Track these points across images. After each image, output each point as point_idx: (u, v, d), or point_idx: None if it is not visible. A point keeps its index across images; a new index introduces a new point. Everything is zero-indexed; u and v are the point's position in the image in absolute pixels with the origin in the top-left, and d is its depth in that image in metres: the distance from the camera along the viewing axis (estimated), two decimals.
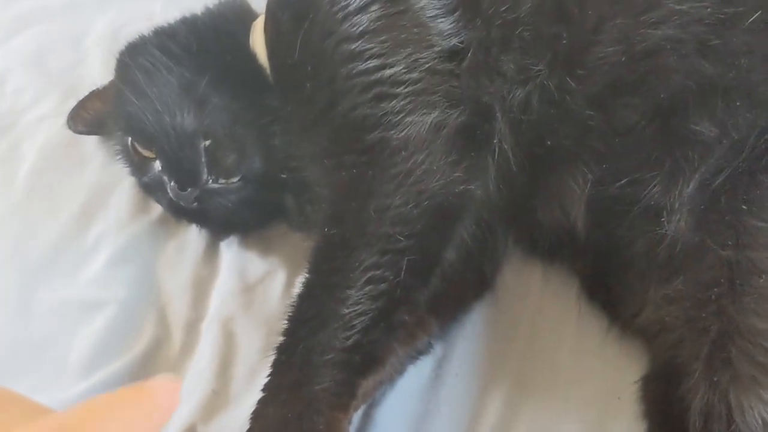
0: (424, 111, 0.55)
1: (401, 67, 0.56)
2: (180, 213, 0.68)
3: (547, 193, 0.57)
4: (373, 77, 0.56)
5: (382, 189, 0.53)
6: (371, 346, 0.52)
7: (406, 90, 0.56)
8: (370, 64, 0.56)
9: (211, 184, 0.63)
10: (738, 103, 0.51)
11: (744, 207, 0.48)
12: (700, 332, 0.47)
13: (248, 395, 0.58)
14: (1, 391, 0.34)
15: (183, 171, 0.62)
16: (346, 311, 0.50)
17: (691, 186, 0.50)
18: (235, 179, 0.64)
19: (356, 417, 0.56)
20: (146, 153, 0.65)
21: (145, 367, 0.64)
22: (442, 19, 0.58)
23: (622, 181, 0.53)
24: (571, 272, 0.61)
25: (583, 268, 0.60)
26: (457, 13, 0.58)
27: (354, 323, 0.50)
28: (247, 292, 0.67)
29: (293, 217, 0.67)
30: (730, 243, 0.47)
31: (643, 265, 0.54)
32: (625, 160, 0.53)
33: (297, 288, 0.54)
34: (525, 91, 0.55)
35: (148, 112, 0.63)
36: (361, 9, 0.58)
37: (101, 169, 0.77)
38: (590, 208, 0.55)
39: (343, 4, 0.58)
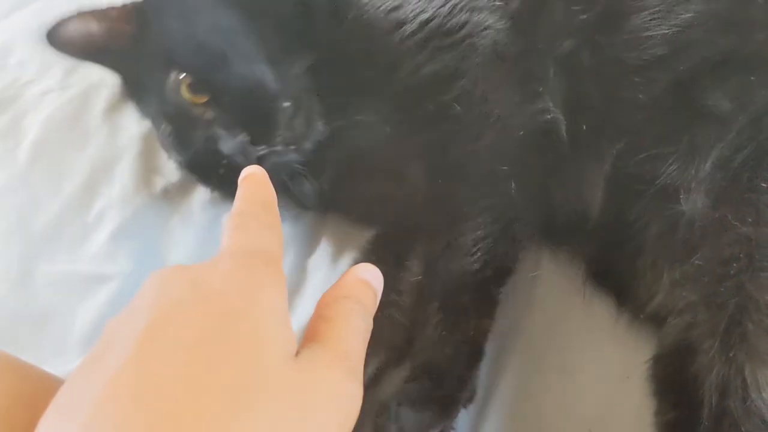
0: (481, 51, 0.57)
1: (445, 15, 0.57)
2: (203, 170, 0.63)
3: (569, 173, 0.57)
4: (423, 34, 0.57)
5: (470, 134, 0.56)
6: (500, 259, 0.55)
7: (460, 35, 0.57)
8: (416, 22, 0.57)
9: (276, 147, 0.59)
10: (753, 78, 0.51)
11: (764, 185, 0.48)
12: (717, 307, 0.46)
13: None
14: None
15: (255, 127, 0.57)
16: (470, 239, 0.54)
17: (708, 163, 0.50)
18: (294, 147, 0.60)
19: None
20: (196, 97, 0.58)
21: None
22: None
23: (641, 156, 0.53)
24: (578, 257, 0.60)
25: (591, 253, 0.59)
26: None
27: (478, 247, 0.54)
28: None
29: (308, 197, 0.65)
30: (750, 220, 0.47)
31: (656, 250, 0.54)
32: (645, 134, 0.53)
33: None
34: (573, 43, 0.55)
35: (221, 52, 0.57)
36: None
37: (105, 143, 0.76)
38: (608, 189, 0.55)
39: None
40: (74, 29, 0.62)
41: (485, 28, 0.57)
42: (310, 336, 0.33)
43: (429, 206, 0.58)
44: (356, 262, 0.62)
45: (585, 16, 0.55)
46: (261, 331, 0.29)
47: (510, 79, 0.56)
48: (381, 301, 0.58)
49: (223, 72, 0.57)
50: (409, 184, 0.60)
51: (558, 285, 0.60)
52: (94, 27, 0.62)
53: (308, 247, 0.67)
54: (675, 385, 0.51)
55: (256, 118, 0.58)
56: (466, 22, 0.57)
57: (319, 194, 0.64)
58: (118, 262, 0.68)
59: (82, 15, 0.62)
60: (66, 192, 0.74)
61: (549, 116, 0.55)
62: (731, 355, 0.45)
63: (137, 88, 0.65)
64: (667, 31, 0.53)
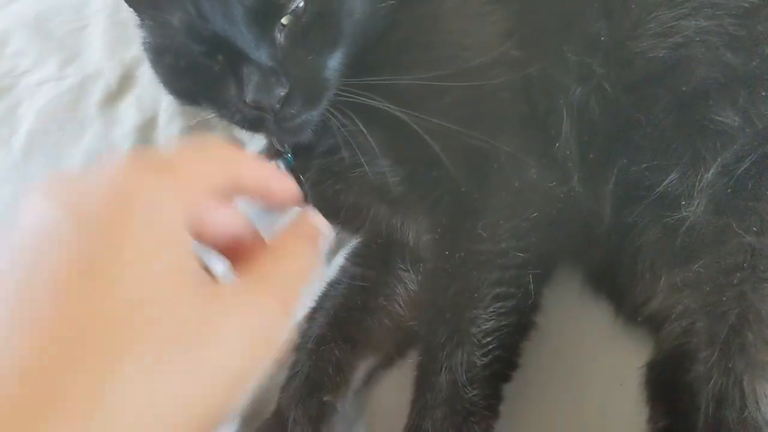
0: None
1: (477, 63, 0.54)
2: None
3: (580, 202, 0.55)
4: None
5: (488, 206, 0.52)
6: (509, 353, 0.52)
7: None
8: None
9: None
10: (763, 93, 0.50)
11: None
12: (718, 316, 0.46)
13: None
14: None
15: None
16: (478, 330, 0.50)
17: (711, 171, 0.49)
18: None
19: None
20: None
21: None
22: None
23: (642, 166, 0.52)
24: (578, 261, 0.59)
25: (591, 257, 0.58)
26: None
27: (488, 340, 0.50)
28: None
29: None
30: (754, 229, 0.46)
31: (654, 253, 0.53)
32: (647, 149, 0.52)
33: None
34: (585, 89, 0.54)
35: None
36: None
37: (101, 134, 0.76)
38: (613, 201, 0.54)
39: None
40: None
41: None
42: (255, 268, 0.31)
43: (432, 288, 0.54)
44: (344, 266, 0.62)
45: (594, 64, 0.54)
46: (138, 253, 0.27)
47: (528, 148, 0.53)
48: (370, 306, 0.59)
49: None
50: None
51: (554, 288, 0.59)
52: None
53: None
54: (669, 392, 0.51)
55: (308, 96, 0.51)
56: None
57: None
58: None
59: None
60: None
61: (571, 192, 0.53)
62: (730, 365, 0.44)
63: None
64: (669, 50, 0.52)
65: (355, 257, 0.62)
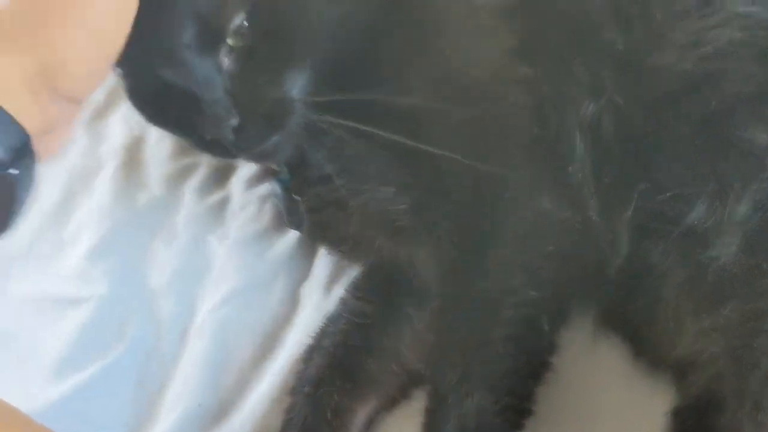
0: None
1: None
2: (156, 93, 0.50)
3: (594, 233, 0.51)
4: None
5: (498, 239, 0.49)
6: (522, 399, 0.48)
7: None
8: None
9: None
10: None
11: None
12: (748, 365, 0.43)
13: (236, 412, 0.54)
14: None
15: (256, 121, 0.48)
16: (490, 374, 0.47)
17: (742, 204, 0.46)
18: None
19: None
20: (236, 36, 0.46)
21: (124, 373, 0.58)
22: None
23: (665, 195, 0.48)
24: (589, 302, 0.55)
25: (605, 298, 0.54)
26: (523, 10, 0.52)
27: (500, 385, 0.47)
28: (243, 293, 0.62)
29: (294, 216, 0.61)
30: None
31: (680, 297, 0.49)
32: (669, 173, 0.49)
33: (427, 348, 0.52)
34: (597, 105, 0.49)
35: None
36: None
37: (86, 152, 0.72)
38: (631, 233, 0.50)
39: None
40: None
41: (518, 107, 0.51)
42: None
43: (440, 327, 0.50)
44: (344, 299, 0.58)
45: (606, 66, 0.50)
46: None
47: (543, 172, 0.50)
48: (373, 346, 0.55)
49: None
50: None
51: (565, 338, 0.54)
52: None
53: (300, 273, 0.63)
54: None
55: (263, 121, 0.48)
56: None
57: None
58: (93, 284, 0.63)
59: None
60: (41, 203, 0.69)
61: (587, 222, 0.49)
62: (760, 418, 0.41)
63: None
64: (696, 64, 0.48)
65: (356, 290, 0.58)
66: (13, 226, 0.44)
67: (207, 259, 0.65)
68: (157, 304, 0.63)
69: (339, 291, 0.60)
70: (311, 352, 0.56)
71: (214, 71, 0.45)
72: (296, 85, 0.48)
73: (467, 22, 0.53)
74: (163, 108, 0.50)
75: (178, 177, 0.69)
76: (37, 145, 0.41)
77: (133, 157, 0.71)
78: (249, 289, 0.62)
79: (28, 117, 0.40)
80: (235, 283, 0.62)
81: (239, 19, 0.45)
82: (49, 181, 0.70)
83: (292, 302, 0.61)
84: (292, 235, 0.64)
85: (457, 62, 0.52)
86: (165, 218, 0.68)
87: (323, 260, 0.63)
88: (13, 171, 0.39)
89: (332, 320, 0.57)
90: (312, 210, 0.57)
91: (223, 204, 0.68)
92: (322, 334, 0.57)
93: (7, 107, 0.39)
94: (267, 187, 0.66)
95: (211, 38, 0.45)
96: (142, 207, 0.69)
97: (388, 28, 0.52)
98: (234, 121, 0.45)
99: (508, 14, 0.52)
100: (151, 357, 0.60)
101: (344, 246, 0.59)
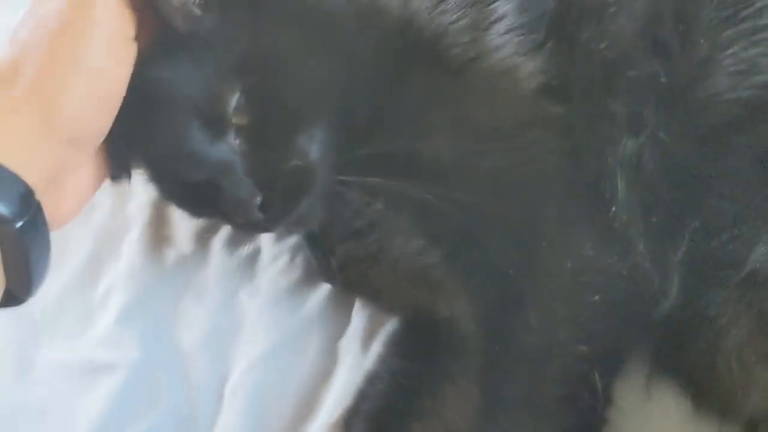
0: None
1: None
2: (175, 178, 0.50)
3: (643, 273, 0.48)
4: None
5: (539, 292, 0.46)
6: None
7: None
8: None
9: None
10: None
11: None
12: None
13: None
14: None
15: (276, 199, 0.47)
16: None
17: None
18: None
19: None
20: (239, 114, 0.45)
21: None
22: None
23: (722, 237, 0.46)
24: (642, 352, 0.51)
25: (657, 348, 0.51)
26: (547, 47, 0.50)
27: None
28: (276, 352, 0.60)
29: (327, 268, 0.59)
30: None
31: (744, 345, 0.46)
32: (724, 211, 0.46)
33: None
34: (636, 142, 0.47)
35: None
36: None
37: (110, 212, 0.70)
38: (683, 276, 0.47)
39: None
40: None
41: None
42: None
43: (484, 389, 0.48)
44: (383, 356, 0.56)
45: (647, 100, 0.48)
46: None
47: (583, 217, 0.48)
48: (417, 408, 0.51)
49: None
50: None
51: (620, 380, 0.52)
52: None
53: (335, 328, 0.61)
54: None
55: (286, 192, 0.46)
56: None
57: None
58: (124, 349, 0.62)
59: None
60: (68, 269, 0.67)
61: (636, 268, 0.47)
62: None
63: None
64: (754, 90, 0.46)
65: (395, 345, 0.56)
66: (35, 291, 0.43)
67: (238, 318, 0.63)
68: (190, 367, 0.61)
69: (377, 346, 0.58)
70: (352, 419, 0.53)
71: (230, 155, 0.45)
72: (312, 148, 0.46)
73: (485, 62, 0.51)
74: (197, 203, 0.50)
75: (206, 231, 0.68)
76: (50, 201, 0.41)
77: (159, 214, 0.69)
78: (282, 348, 0.60)
79: (27, 167, 0.39)
80: (267, 342, 0.60)
81: (236, 98, 0.44)
82: (74, 244, 0.69)
83: (328, 360, 0.59)
84: (325, 288, 0.62)
85: (481, 105, 0.51)
86: (194, 275, 0.66)
87: (359, 314, 0.60)
88: (18, 224, 0.39)
89: (372, 381, 0.55)
90: (343, 268, 0.55)
91: (253, 257, 0.66)
92: (363, 397, 0.54)
93: (3, 161, 0.38)
94: (298, 238, 0.65)
95: (216, 125, 0.44)
96: (171, 266, 0.67)
97: (406, 71, 0.50)
98: (258, 200, 0.44)
99: (531, 50, 0.51)
100: (185, 423, 0.58)
101: (380, 300, 0.57)
